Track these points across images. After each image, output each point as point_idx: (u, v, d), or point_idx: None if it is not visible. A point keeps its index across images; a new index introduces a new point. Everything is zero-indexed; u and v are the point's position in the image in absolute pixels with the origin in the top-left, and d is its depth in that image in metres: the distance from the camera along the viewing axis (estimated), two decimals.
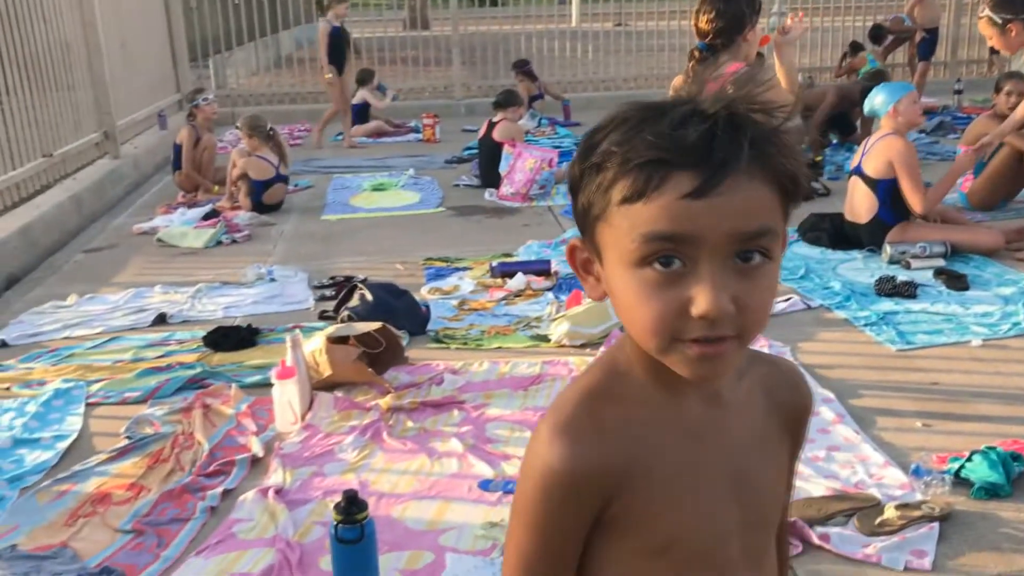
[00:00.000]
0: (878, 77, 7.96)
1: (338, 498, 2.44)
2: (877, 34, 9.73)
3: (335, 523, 2.33)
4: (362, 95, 10.68)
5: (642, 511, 0.96)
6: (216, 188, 7.63)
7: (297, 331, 3.80)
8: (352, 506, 2.33)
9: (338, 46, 9.55)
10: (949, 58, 13.45)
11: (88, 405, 3.80)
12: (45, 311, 4.97)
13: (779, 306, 4.50)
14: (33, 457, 3.39)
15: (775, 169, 0.88)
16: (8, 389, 4.00)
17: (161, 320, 4.75)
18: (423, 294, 4.85)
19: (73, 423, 3.65)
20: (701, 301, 0.86)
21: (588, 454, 0.94)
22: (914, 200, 5.06)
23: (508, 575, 1.02)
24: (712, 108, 0.87)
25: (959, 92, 10.47)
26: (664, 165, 0.85)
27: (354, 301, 4.40)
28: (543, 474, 0.95)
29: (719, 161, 0.85)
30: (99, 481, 3.21)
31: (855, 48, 10.51)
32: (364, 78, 10.84)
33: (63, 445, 3.47)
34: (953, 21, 13.39)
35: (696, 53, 3.31)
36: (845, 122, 8.46)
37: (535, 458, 0.96)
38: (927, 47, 11.10)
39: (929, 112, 10.31)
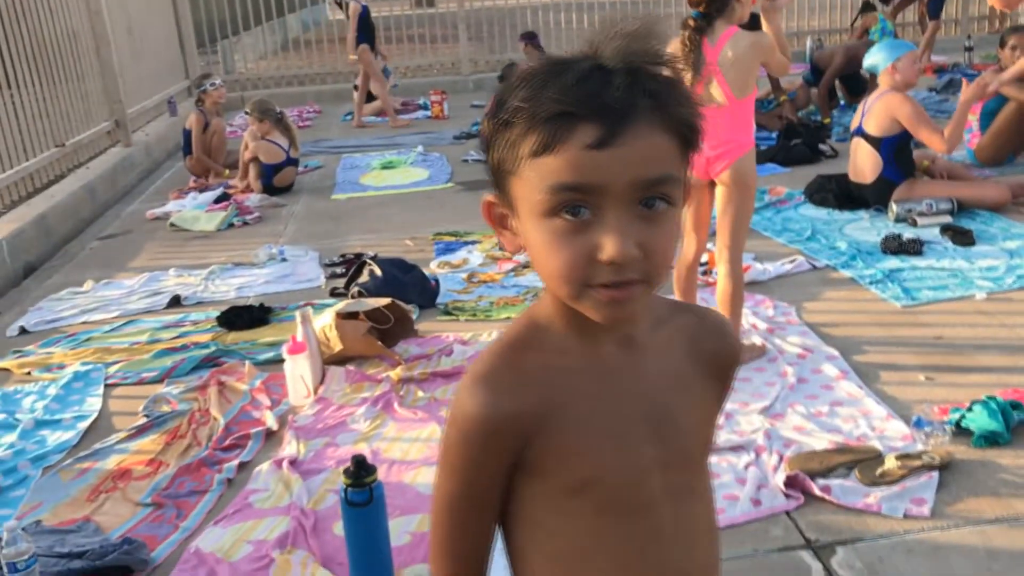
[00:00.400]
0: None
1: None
2: None
3: (344, 487, 2.39)
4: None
5: (559, 452, 1.00)
6: (227, 172, 7.70)
7: (307, 307, 3.87)
8: (361, 470, 2.40)
9: (367, 25, 9.75)
10: (960, 15, 13.31)
11: (107, 386, 3.89)
12: (62, 297, 5.07)
13: (785, 267, 4.53)
14: (55, 438, 3.48)
15: (673, 119, 0.92)
16: (29, 374, 4.10)
17: (176, 302, 4.83)
18: (432, 268, 4.91)
19: (93, 404, 3.74)
20: (608, 247, 0.90)
21: (504, 401, 0.99)
22: (934, 142, 5.02)
23: (434, 515, 1.08)
24: (613, 62, 0.91)
25: (970, 49, 10.36)
26: (568, 118, 0.89)
27: (364, 277, 4.46)
28: (463, 421, 1.00)
29: (620, 112, 0.89)
30: (119, 458, 3.31)
31: (866, 7, 10.42)
32: None
33: (84, 425, 3.56)
34: None
35: (691, 22, 3.31)
36: (855, 82, 8.42)
37: (457, 407, 1.01)
38: (936, 5, 10.99)
39: (940, 70, 10.24)
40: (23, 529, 2.59)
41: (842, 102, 8.32)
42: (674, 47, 3.39)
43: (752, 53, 3.32)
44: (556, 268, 0.94)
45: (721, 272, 3.49)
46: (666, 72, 0.94)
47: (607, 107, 0.89)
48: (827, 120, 7.82)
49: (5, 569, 2.47)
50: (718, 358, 1.10)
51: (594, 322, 0.97)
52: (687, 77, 0.86)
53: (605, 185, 0.90)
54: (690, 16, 3.32)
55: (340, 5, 13.78)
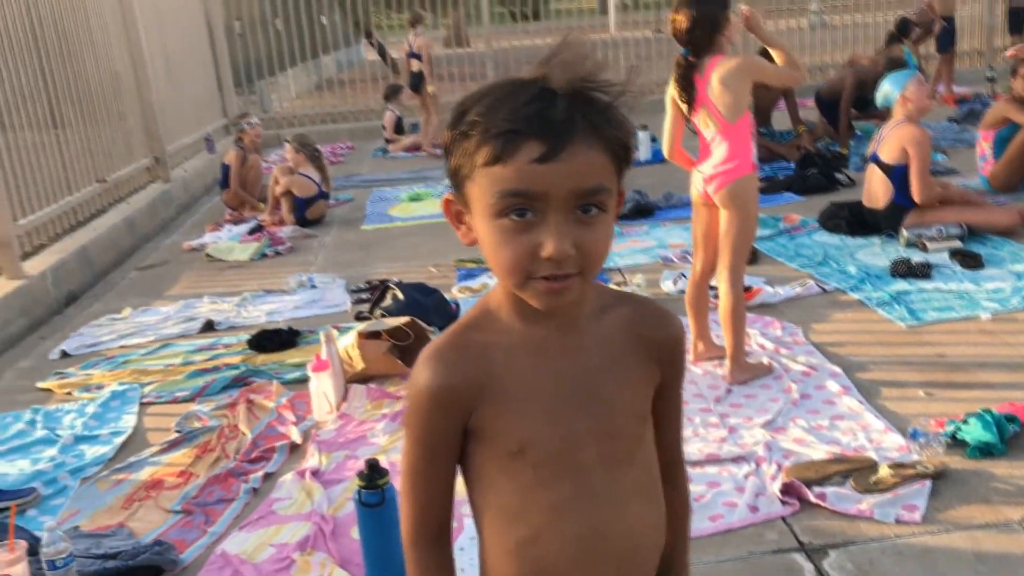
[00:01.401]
0: (895, 64, 8.03)
1: None
2: (903, 27, 9.78)
3: (358, 489, 2.55)
4: (388, 115, 11.01)
5: (497, 419, 1.16)
6: (260, 205, 7.97)
7: (331, 327, 4.05)
8: (374, 473, 2.56)
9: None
10: (984, 46, 13.39)
11: (142, 405, 4.10)
12: (102, 323, 5.31)
13: (795, 290, 4.65)
14: (93, 451, 3.68)
15: (608, 138, 1.08)
16: (70, 394, 4.32)
17: (209, 327, 5.05)
18: (454, 293, 5.09)
19: (128, 421, 3.95)
20: (548, 245, 1.05)
21: (448, 375, 1.15)
22: (916, 186, 5.20)
23: (402, 486, 1.25)
24: (558, 87, 1.07)
25: (992, 80, 10.46)
26: (517, 135, 1.04)
27: (387, 301, 4.65)
28: (416, 392, 1.17)
29: (561, 132, 1.04)
30: (152, 470, 3.49)
31: (892, 39, 10.52)
32: (389, 94, 11.20)
33: (120, 440, 3.76)
34: (987, 9, 13.34)
35: (681, 59, 3.47)
36: (863, 102, 8.53)
37: (412, 381, 1.18)
38: (945, 39, 11.09)
39: (962, 100, 10.32)
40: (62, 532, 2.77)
41: (858, 132, 8.43)
42: (673, 89, 3.56)
43: (737, 75, 3.45)
44: (504, 261, 1.09)
45: (721, 291, 3.63)
46: (604, 97, 1.09)
47: (550, 127, 1.04)
48: (844, 151, 7.93)
49: (45, 566, 2.65)
50: (656, 343, 1.24)
51: (536, 308, 1.13)
52: (629, 99, 0.99)
53: (546, 193, 1.05)
54: (680, 54, 3.49)
55: (372, 45, 14.15)
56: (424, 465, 1.21)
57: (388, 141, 11.09)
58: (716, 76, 3.45)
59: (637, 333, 1.23)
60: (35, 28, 6.54)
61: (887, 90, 5.32)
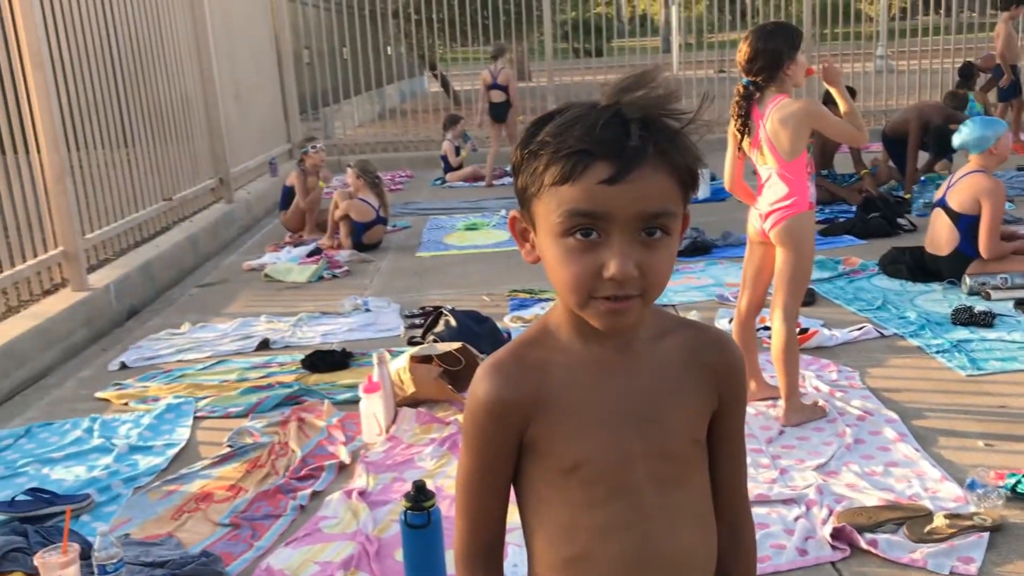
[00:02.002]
0: (959, 99, 7.93)
1: None
2: (967, 72, 9.65)
3: (405, 510, 2.56)
4: (446, 145, 11.19)
5: (552, 435, 1.17)
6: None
7: (383, 350, 4.09)
8: (420, 495, 2.57)
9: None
10: None
11: (196, 418, 4.17)
12: (161, 337, 5.42)
13: (852, 334, 4.58)
14: (146, 462, 3.75)
15: (674, 164, 1.09)
16: (127, 404, 4.41)
17: (264, 346, 5.13)
18: (506, 322, 5.11)
19: (182, 433, 4.01)
20: (611, 266, 1.07)
21: (506, 389, 1.17)
22: (985, 241, 5.10)
23: (457, 499, 1.27)
24: (630, 111, 1.08)
25: None
26: (587, 156, 1.06)
27: (439, 327, 4.68)
28: (474, 404, 1.19)
29: (630, 155, 1.05)
30: (202, 482, 3.54)
31: (958, 85, 10.39)
32: (448, 123, 11.37)
33: (172, 452, 3.82)
34: None
35: (741, 88, 3.49)
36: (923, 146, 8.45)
37: (471, 392, 1.20)
38: (1011, 86, 10.88)
39: None
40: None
41: (923, 178, 8.32)
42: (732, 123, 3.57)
43: (796, 120, 3.44)
44: (567, 280, 1.11)
45: (774, 329, 3.60)
46: (674, 124, 1.11)
47: (620, 149, 1.06)
48: (907, 196, 7.83)
49: (96, 571, 2.70)
50: (713, 368, 1.24)
51: (596, 328, 1.14)
52: (699, 129, 1.01)
53: (612, 214, 1.07)
54: (740, 83, 3.50)
55: (436, 77, 14.35)
56: (479, 477, 1.22)
57: (448, 169, 11.21)
58: (776, 116, 3.45)
59: (695, 358, 1.23)
60: (111, 48, 6.76)
61: (982, 135, 5.20)
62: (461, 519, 1.26)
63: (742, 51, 3.47)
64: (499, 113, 10.93)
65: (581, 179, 1.06)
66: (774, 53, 3.41)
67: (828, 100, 6.61)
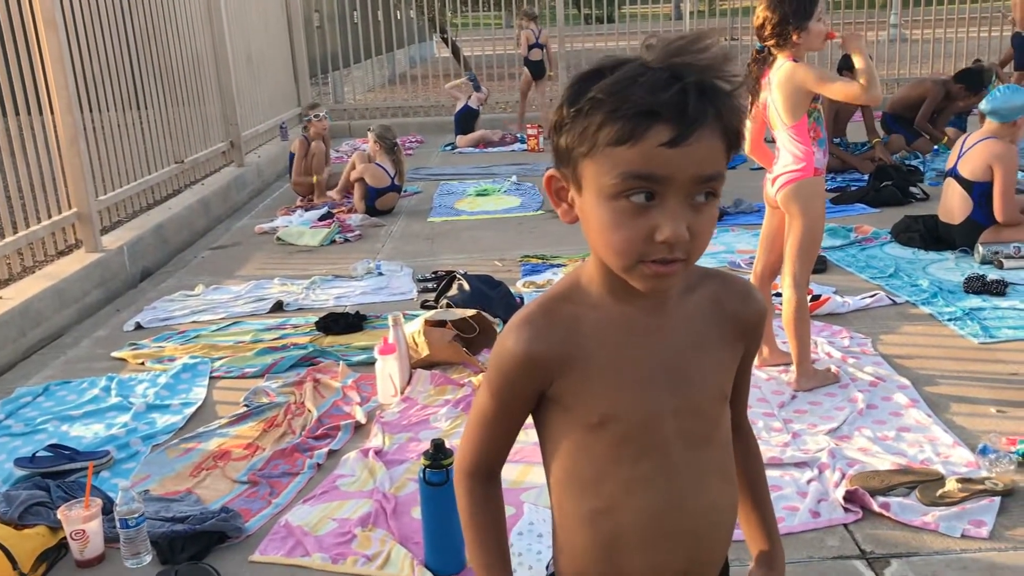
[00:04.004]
0: (973, 75, 7.91)
1: None
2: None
3: (423, 467, 2.60)
4: (453, 92, 11.48)
5: (581, 390, 1.18)
6: (315, 178, 8.13)
7: (398, 312, 4.11)
8: (439, 453, 2.60)
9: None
10: None
11: (212, 378, 4.20)
12: (175, 299, 5.45)
13: (864, 301, 4.59)
14: (164, 420, 3.79)
15: (727, 126, 1.09)
16: (143, 364, 4.45)
17: (278, 308, 5.15)
18: (518, 287, 5.12)
19: (199, 393, 4.05)
20: (665, 229, 1.06)
21: (535, 341, 1.17)
22: (1000, 205, 5.08)
23: (469, 417, 1.30)
24: (688, 74, 1.07)
25: None
26: (649, 117, 1.04)
27: (453, 291, 4.70)
28: (502, 353, 1.20)
29: (691, 118, 1.04)
30: (220, 441, 3.58)
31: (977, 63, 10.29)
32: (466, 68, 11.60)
33: (189, 411, 3.86)
34: None
35: (755, 53, 3.50)
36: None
37: (500, 342, 1.21)
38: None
39: None
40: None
41: (936, 147, 8.28)
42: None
43: (791, 83, 3.42)
44: (616, 243, 1.10)
45: (784, 296, 3.61)
46: (727, 86, 1.10)
47: (682, 112, 1.05)
48: (945, 140, 7.85)
49: (118, 524, 2.75)
50: (740, 318, 1.26)
51: (629, 286, 1.14)
52: (747, 98, 1.03)
53: (670, 177, 1.06)
54: (755, 47, 3.50)
55: (446, 42, 14.34)
56: (494, 418, 1.26)
57: (462, 119, 11.17)
58: (775, 79, 3.45)
59: (721, 308, 1.24)
60: (124, 10, 6.73)
61: (1014, 106, 5.17)
62: (468, 444, 1.30)
63: (756, 16, 3.47)
64: (539, 71, 11.87)
65: (641, 141, 1.05)
66: (782, 19, 3.39)
67: (844, 66, 6.55)
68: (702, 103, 1.06)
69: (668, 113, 1.04)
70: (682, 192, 1.07)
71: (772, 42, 3.44)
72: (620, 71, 1.08)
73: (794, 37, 3.39)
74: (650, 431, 1.19)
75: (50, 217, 5.49)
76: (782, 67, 3.45)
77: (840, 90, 3.48)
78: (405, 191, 8.25)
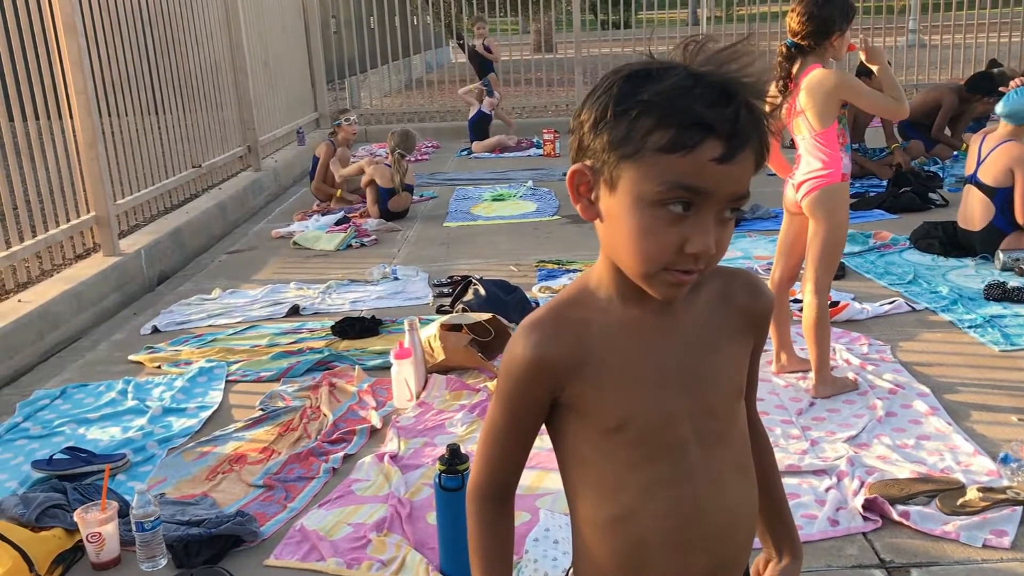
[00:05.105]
0: (986, 77, 7.87)
1: None
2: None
3: (439, 472, 2.59)
4: (467, 98, 11.50)
5: (596, 395, 1.17)
6: (339, 192, 8.12)
7: (414, 317, 4.10)
8: (455, 458, 2.59)
9: None
10: None
11: (228, 382, 4.21)
12: (192, 303, 5.47)
13: (883, 308, 4.55)
14: (180, 424, 3.80)
15: (761, 147, 1.10)
16: (159, 367, 4.46)
17: (294, 312, 5.16)
18: (534, 292, 5.11)
19: (215, 396, 4.05)
20: (697, 242, 1.07)
21: (545, 347, 1.16)
22: (1021, 208, 5.03)
23: (480, 443, 1.29)
24: (739, 91, 1.07)
25: None
26: (704, 130, 1.04)
27: (468, 295, 4.69)
28: (511, 360, 1.19)
29: (741, 138, 1.06)
30: (236, 444, 3.59)
31: (992, 65, 10.22)
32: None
33: (206, 414, 3.87)
34: None
35: (783, 48, 3.45)
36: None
37: (509, 348, 1.20)
38: None
39: None
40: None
41: (955, 152, 8.23)
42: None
43: (824, 90, 3.39)
44: (645, 249, 1.09)
45: (805, 302, 3.58)
46: (765, 107, 1.11)
47: (734, 131, 1.06)
48: (964, 147, 7.81)
49: (134, 527, 2.75)
50: (749, 312, 1.26)
51: (639, 290, 1.14)
52: (778, 107, 1.04)
53: (712, 192, 1.07)
54: (784, 43, 3.46)
55: (462, 48, 14.43)
56: (506, 430, 1.24)
57: (477, 122, 11.18)
58: (806, 85, 3.42)
59: (731, 304, 1.24)
60: (143, 16, 6.77)
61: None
62: (480, 462, 1.29)
63: (796, 12, 3.40)
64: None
65: (694, 152, 1.05)
66: (827, 20, 3.35)
67: (860, 72, 6.51)
68: (750, 124, 1.07)
69: (722, 130, 1.05)
70: (717, 207, 1.08)
71: (809, 41, 3.39)
72: (671, 77, 1.07)
73: (833, 40, 3.37)
74: (666, 433, 1.18)
75: (68, 221, 5.53)
76: (815, 74, 3.41)
77: (875, 103, 3.48)
78: (421, 196, 8.26)
